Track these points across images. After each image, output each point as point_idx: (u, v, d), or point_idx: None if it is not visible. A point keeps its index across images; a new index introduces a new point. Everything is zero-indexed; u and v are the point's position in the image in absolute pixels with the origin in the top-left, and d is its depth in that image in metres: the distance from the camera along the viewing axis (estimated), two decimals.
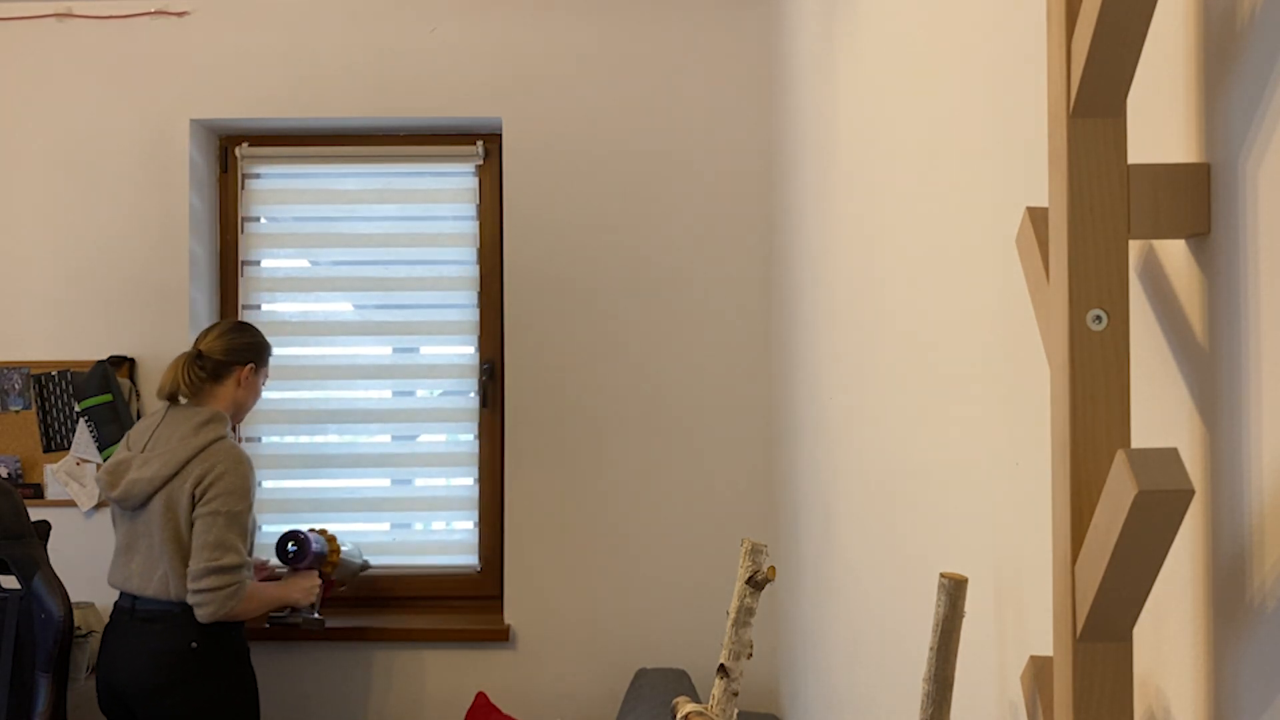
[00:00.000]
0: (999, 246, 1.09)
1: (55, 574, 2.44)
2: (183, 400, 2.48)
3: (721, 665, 1.25)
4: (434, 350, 3.07)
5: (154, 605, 2.37)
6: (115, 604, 2.46)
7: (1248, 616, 0.66)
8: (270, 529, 2.89)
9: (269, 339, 2.60)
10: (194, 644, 2.36)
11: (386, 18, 2.91)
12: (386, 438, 3.06)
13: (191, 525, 2.36)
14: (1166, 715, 0.76)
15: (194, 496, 2.35)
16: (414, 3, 2.91)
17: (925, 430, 1.36)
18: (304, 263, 3.08)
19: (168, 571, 2.36)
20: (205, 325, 2.95)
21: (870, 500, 1.68)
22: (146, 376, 2.89)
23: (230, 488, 2.36)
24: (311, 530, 2.68)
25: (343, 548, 2.74)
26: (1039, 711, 0.81)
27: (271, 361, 2.62)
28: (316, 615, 2.69)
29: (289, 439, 3.07)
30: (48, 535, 2.53)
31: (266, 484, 3.02)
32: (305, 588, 2.61)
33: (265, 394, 2.88)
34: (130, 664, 2.37)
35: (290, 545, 2.63)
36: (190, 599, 2.33)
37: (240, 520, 2.37)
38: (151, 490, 2.36)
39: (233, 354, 2.48)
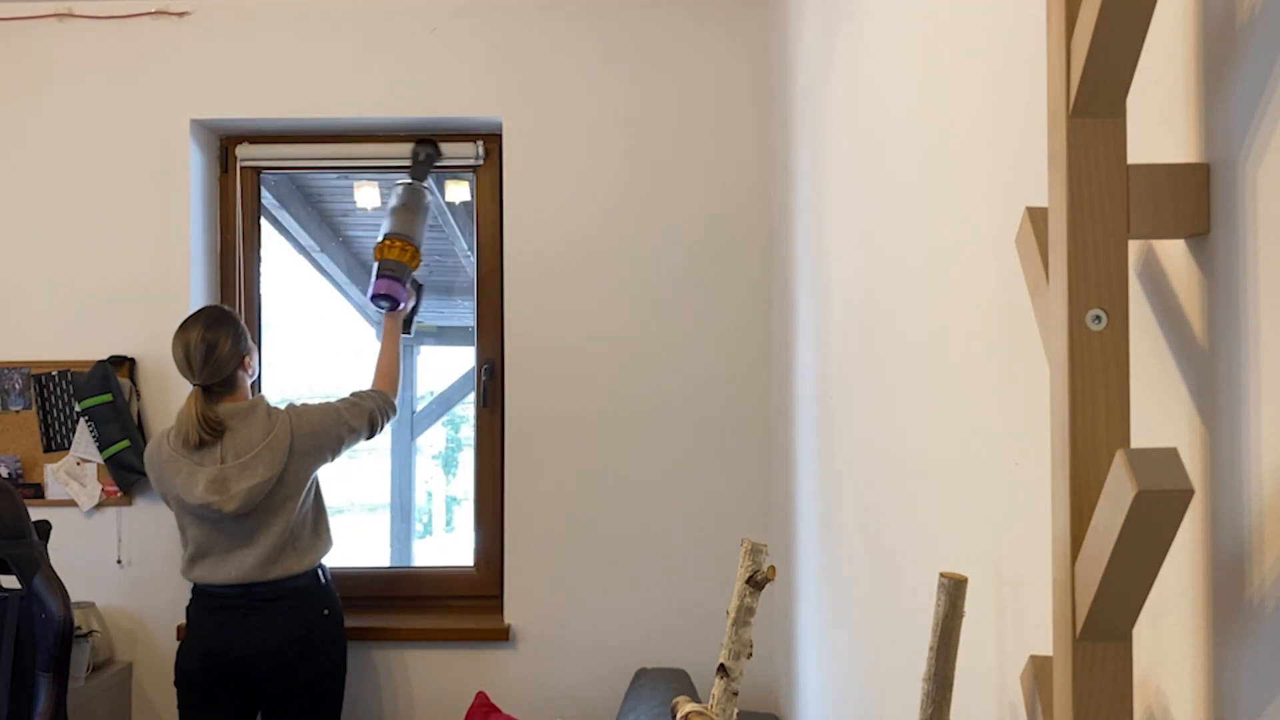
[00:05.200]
0: (999, 246, 1.09)
1: (55, 574, 2.44)
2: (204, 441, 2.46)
3: (721, 665, 1.25)
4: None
5: (275, 588, 2.46)
6: (219, 591, 2.46)
7: (1248, 616, 0.66)
8: None
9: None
10: (325, 611, 2.51)
11: (386, 17, 2.91)
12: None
13: (317, 487, 2.56)
14: (1166, 715, 0.76)
15: (319, 466, 2.52)
16: (414, 3, 2.91)
17: (925, 430, 1.36)
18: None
19: (290, 549, 2.48)
20: None
21: (870, 500, 1.68)
22: (146, 376, 2.89)
23: (334, 432, 2.54)
24: (388, 275, 2.75)
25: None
26: (1039, 711, 0.81)
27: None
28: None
29: None
30: (48, 535, 2.53)
31: None
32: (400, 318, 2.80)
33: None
34: (264, 639, 2.45)
35: (383, 304, 2.76)
36: (374, 431, 2.60)
37: (347, 417, 2.55)
38: (268, 491, 2.45)
39: (232, 362, 2.47)
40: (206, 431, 2.43)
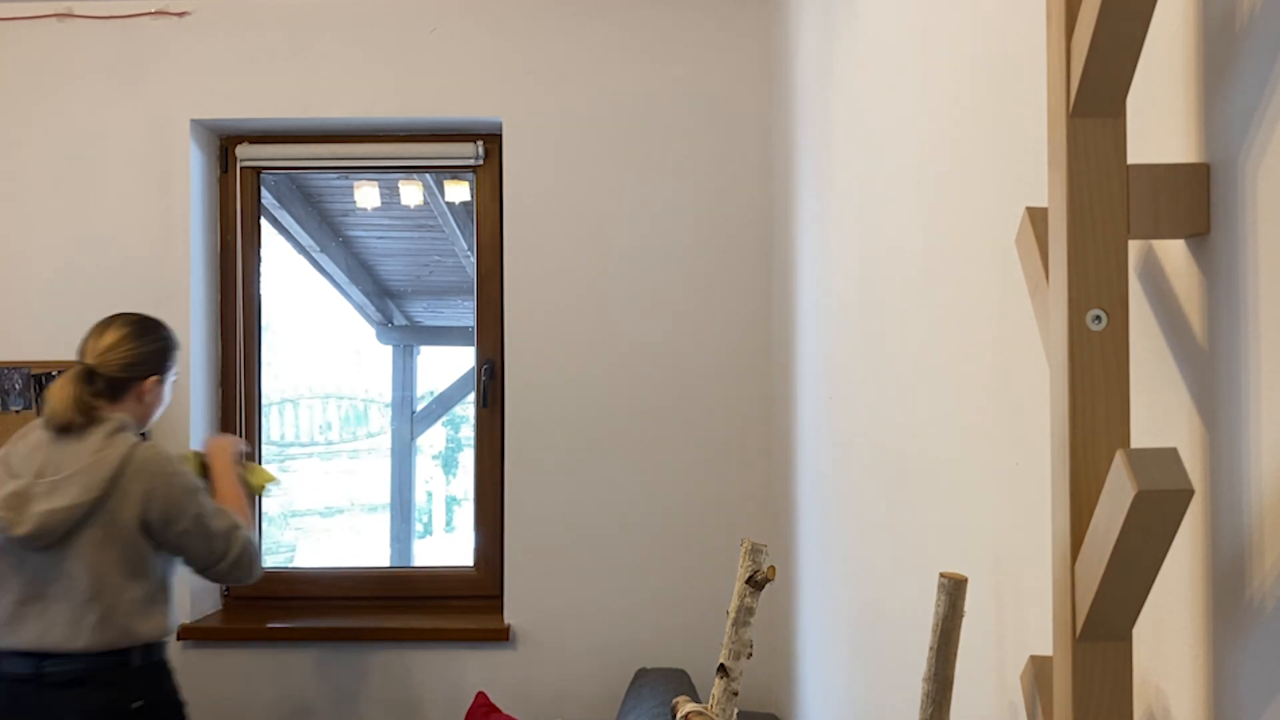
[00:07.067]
0: (999, 246, 1.09)
1: None
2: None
3: (721, 665, 1.25)
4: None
5: (73, 665, 1.98)
6: (8, 674, 2.01)
7: (1248, 616, 0.66)
8: None
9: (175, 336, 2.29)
10: (137, 702, 2.03)
11: (386, 17, 2.91)
12: None
13: (149, 547, 2.07)
14: (1166, 715, 0.76)
15: (148, 523, 2.04)
16: (414, 3, 2.91)
17: (925, 430, 1.36)
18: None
19: (108, 612, 2.00)
20: (205, 326, 2.96)
21: (870, 500, 1.68)
22: None
23: (184, 490, 2.09)
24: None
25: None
26: (1039, 711, 0.81)
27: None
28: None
29: None
30: None
31: None
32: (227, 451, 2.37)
33: None
34: None
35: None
36: (222, 583, 2.27)
37: (208, 505, 2.13)
38: (76, 520, 1.98)
39: (132, 369, 2.12)
40: (79, 413, 2.05)
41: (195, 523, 2.08)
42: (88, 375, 2.09)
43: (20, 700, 1.99)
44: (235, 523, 2.16)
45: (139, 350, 2.13)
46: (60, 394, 2.07)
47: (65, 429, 2.06)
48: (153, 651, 2.08)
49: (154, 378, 2.16)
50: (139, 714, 2.03)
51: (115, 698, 2.01)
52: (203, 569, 2.15)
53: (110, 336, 2.12)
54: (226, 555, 2.13)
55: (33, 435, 2.10)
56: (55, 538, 1.99)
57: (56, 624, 1.99)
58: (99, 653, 1.99)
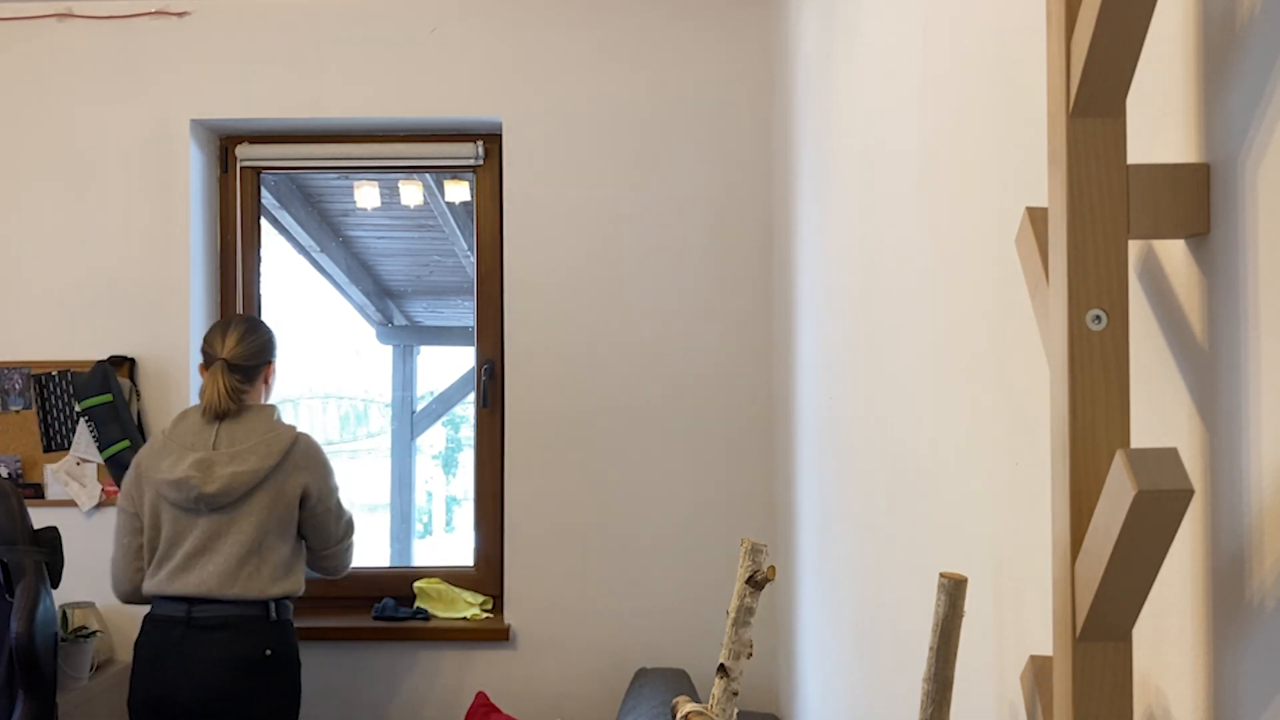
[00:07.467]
0: (999, 246, 1.09)
1: (39, 587, 2.32)
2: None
3: (721, 665, 1.25)
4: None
5: (218, 611, 2.31)
6: (155, 615, 2.36)
7: (1248, 616, 0.66)
8: None
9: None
10: (268, 650, 2.33)
11: (386, 17, 2.91)
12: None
13: (299, 515, 2.42)
14: (1166, 715, 0.76)
15: (305, 495, 2.41)
16: (414, 3, 2.91)
17: (925, 430, 1.36)
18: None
19: (260, 565, 2.34)
20: (205, 326, 2.97)
21: (870, 500, 1.68)
22: (146, 376, 2.89)
23: (329, 478, 2.49)
24: None
25: None
26: (1039, 711, 0.81)
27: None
28: None
29: None
30: (52, 543, 2.44)
31: None
32: None
33: None
34: (196, 676, 2.28)
35: None
36: (326, 567, 2.51)
37: (340, 497, 2.53)
38: (255, 483, 2.35)
39: (257, 356, 2.50)
40: (233, 400, 2.41)
41: (336, 506, 2.49)
42: (229, 367, 2.45)
43: (170, 640, 2.32)
44: (352, 517, 2.56)
45: (258, 341, 2.52)
46: (213, 386, 2.44)
47: (222, 414, 2.43)
48: (283, 609, 2.40)
49: (271, 364, 2.56)
50: (268, 661, 2.34)
51: (250, 645, 2.32)
52: (321, 547, 2.49)
53: (234, 335, 2.49)
54: (344, 540, 2.52)
55: (191, 418, 2.47)
56: (234, 497, 2.35)
57: (215, 573, 2.33)
58: (244, 601, 2.32)
